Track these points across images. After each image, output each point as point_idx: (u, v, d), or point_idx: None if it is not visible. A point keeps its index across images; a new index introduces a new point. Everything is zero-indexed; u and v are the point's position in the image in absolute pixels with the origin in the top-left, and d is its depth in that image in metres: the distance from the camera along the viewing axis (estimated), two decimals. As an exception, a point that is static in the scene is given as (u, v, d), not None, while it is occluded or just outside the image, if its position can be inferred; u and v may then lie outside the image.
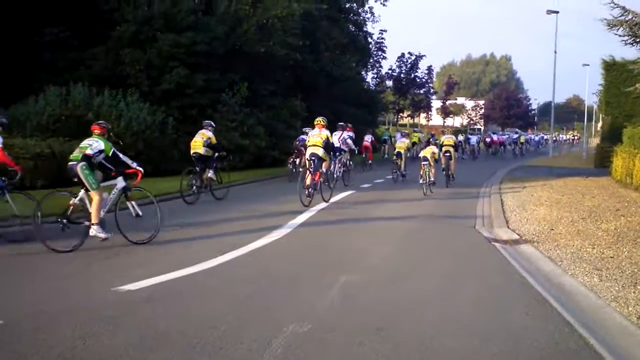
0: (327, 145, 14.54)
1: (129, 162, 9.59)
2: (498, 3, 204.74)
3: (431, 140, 21.83)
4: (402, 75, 56.08)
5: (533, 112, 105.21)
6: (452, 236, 11.21)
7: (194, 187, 14.58)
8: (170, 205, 13.18)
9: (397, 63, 56.20)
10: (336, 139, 18.12)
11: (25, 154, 15.32)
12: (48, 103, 19.24)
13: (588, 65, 60.93)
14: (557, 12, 43.88)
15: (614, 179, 21.99)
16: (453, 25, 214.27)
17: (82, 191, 9.02)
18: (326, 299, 6.49)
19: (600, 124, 51.47)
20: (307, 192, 13.98)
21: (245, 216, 12.43)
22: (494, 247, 10.00)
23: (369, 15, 42.54)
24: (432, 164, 17.91)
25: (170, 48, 22.51)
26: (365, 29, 43.25)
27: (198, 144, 14.90)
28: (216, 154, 15.15)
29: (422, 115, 73.13)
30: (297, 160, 20.44)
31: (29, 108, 19.03)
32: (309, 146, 14.53)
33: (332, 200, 14.94)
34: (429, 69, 60.45)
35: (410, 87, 57.22)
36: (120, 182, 9.51)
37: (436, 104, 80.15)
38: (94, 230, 8.95)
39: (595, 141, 53.52)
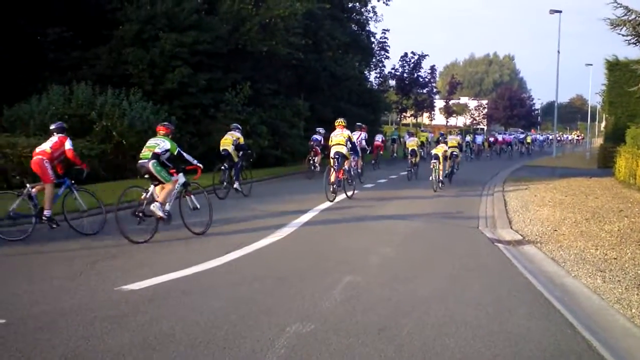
0: (350, 144, 15.65)
1: (191, 159, 10.50)
2: (501, 2, 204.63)
3: (440, 139, 22.63)
4: (405, 75, 55.98)
5: (536, 112, 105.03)
6: (455, 237, 11.22)
7: (225, 183, 15.73)
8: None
9: (400, 63, 56.09)
10: (355, 138, 18.97)
11: (29, 153, 15.31)
12: (51, 102, 19.26)
13: (591, 65, 61.08)
14: (560, 12, 43.83)
15: (617, 180, 21.98)
16: (456, 25, 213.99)
17: (152, 186, 9.98)
18: (329, 299, 6.49)
19: (603, 124, 51.40)
20: (331, 189, 14.99)
21: (249, 215, 12.46)
22: (497, 247, 10.00)
23: (371, 14, 42.48)
24: (441, 162, 18.90)
25: (173, 47, 22.52)
26: (368, 29, 43.19)
27: (228, 142, 16.00)
28: (241, 152, 16.13)
29: (425, 115, 73.04)
30: (316, 159, 22.16)
31: (32, 107, 19.04)
32: (333, 145, 15.58)
33: (338, 199, 15.25)
34: (432, 68, 60.32)
35: (413, 87, 57.09)
36: (181, 178, 10.41)
37: (439, 103, 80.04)
38: (155, 207, 9.75)
39: (598, 141, 53.48)
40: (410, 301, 6.57)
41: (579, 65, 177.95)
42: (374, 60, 46.41)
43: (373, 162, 27.74)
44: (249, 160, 17.13)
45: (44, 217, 9.87)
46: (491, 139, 47.55)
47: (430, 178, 18.54)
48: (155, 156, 9.91)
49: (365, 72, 44.26)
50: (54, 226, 10.01)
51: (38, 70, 22.06)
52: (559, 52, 44.33)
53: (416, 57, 56.10)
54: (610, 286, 7.32)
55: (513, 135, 54.38)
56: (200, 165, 10.59)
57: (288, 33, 26.33)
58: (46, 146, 10.19)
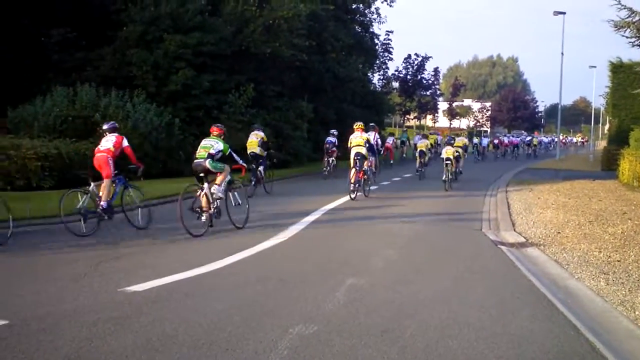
0: (368, 145, 16.77)
1: (238, 159, 11.48)
2: (505, 4, 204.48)
3: (449, 141, 23.57)
4: (408, 77, 56.01)
5: (540, 114, 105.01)
6: (458, 239, 11.21)
7: (253, 182, 16.61)
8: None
9: (403, 64, 56.17)
10: (372, 138, 20.11)
11: (33, 154, 15.35)
12: (55, 104, 19.32)
13: (595, 67, 60.92)
14: (564, 14, 43.81)
15: (621, 182, 21.93)
16: (459, 27, 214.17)
17: (206, 184, 10.86)
18: (333, 301, 6.49)
19: (607, 127, 51.37)
20: (352, 187, 16.03)
21: (253, 217, 12.46)
22: (500, 250, 9.99)
23: (375, 16, 42.48)
24: (453, 163, 20.36)
25: (177, 49, 22.58)
26: (371, 30, 43.16)
27: (254, 143, 17.04)
28: (265, 152, 17.27)
29: (429, 117, 73.03)
30: (330, 160, 23.32)
31: (36, 108, 19.11)
32: (354, 147, 16.49)
33: (345, 199, 15.89)
34: (436, 70, 60.41)
35: (416, 89, 57.14)
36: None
37: (443, 105, 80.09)
38: (215, 189, 10.95)
39: (602, 144, 53.44)
40: (413, 303, 6.57)
41: (583, 67, 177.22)
42: (377, 62, 46.39)
43: (390, 162, 29.24)
44: (272, 160, 18.24)
45: (99, 209, 10.59)
46: (495, 141, 47.82)
47: (443, 178, 19.69)
48: (210, 156, 10.92)
49: (369, 73, 44.25)
50: (106, 218, 10.73)
51: (42, 71, 22.13)
52: (562, 54, 44.48)
53: (420, 59, 56.20)
54: (614, 288, 7.30)
55: (520, 138, 55.45)
56: (245, 165, 11.74)
57: (292, 34, 26.35)
58: (109, 145, 10.99)
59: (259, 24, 25.17)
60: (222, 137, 11.37)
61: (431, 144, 33.47)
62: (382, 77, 50.66)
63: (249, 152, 16.96)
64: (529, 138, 53.97)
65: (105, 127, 11.50)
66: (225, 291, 6.91)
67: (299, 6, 25.84)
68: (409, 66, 56.11)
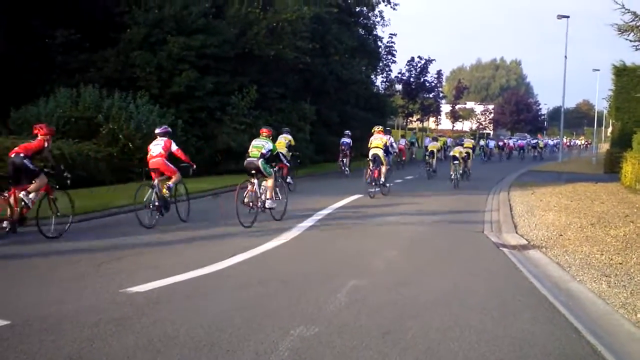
0: (386, 148, 17.79)
1: (282, 158, 13.06)
2: (508, 7, 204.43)
3: (458, 142, 26.08)
4: (411, 79, 56.06)
5: (543, 117, 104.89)
6: (460, 241, 11.20)
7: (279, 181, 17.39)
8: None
9: (406, 67, 56.22)
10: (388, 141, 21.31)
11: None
12: (58, 105, 19.34)
13: (598, 70, 61.16)
14: (567, 17, 43.78)
15: (623, 185, 21.90)
16: (463, 30, 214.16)
17: (256, 181, 11.94)
18: (334, 302, 6.49)
19: (610, 130, 51.31)
20: (368, 185, 17.11)
21: (260, 216, 12.50)
22: (502, 252, 9.98)
23: (379, 19, 42.43)
24: (461, 163, 21.89)
25: (180, 51, 22.60)
26: (375, 33, 43.16)
27: (282, 144, 17.76)
28: (291, 154, 18.16)
29: (432, 119, 73.01)
30: (345, 160, 24.95)
31: (40, 109, 19.13)
32: (372, 148, 17.47)
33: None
34: (439, 73, 60.46)
35: (419, 91, 57.17)
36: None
37: (445, 108, 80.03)
38: (269, 202, 12.13)
39: (605, 147, 53.39)
40: (415, 305, 6.57)
41: (586, 70, 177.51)
42: (380, 64, 46.41)
43: (398, 162, 29.92)
44: (296, 160, 19.20)
45: (165, 194, 11.70)
46: (500, 143, 49.00)
47: (451, 177, 21.20)
48: (262, 155, 12.07)
49: (372, 76, 44.28)
50: (164, 211, 11.64)
51: (46, 72, 22.19)
52: (566, 57, 44.34)
53: (423, 61, 56.27)
54: (616, 291, 7.30)
55: (526, 140, 56.70)
56: (288, 164, 13.42)
57: (295, 37, 26.36)
58: (159, 149, 11.80)
59: (262, 26, 25.18)
60: (270, 138, 12.64)
61: (441, 146, 34.60)
62: (385, 80, 50.69)
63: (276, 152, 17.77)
64: (535, 141, 55.37)
65: (158, 131, 12.33)
66: (227, 292, 6.92)
67: (302, 9, 25.85)
68: (412, 69, 56.16)
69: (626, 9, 15.21)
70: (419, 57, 56.47)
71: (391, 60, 48.75)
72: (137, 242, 9.81)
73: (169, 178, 11.84)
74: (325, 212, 13.89)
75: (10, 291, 6.70)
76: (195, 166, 12.43)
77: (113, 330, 5.37)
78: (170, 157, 11.96)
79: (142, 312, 5.95)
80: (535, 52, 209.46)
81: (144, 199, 11.33)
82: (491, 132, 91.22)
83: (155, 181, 11.59)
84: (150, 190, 11.44)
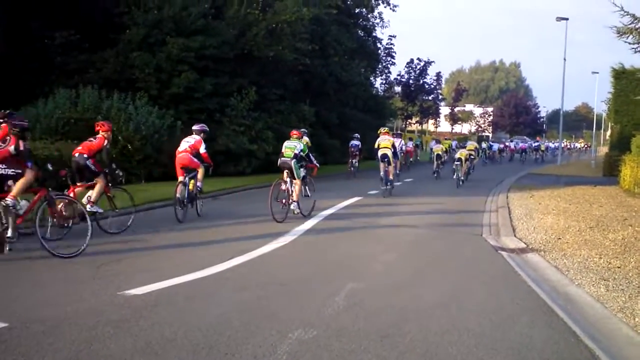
0: (393, 149, 18.81)
1: (313, 159, 13.77)
2: (507, 9, 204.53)
3: (462, 145, 28.20)
4: (410, 81, 56.15)
5: (542, 119, 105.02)
6: (459, 244, 11.21)
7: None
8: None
9: (405, 69, 56.36)
10: (398, 144, 22.78)
11: (35, 156, 15.35)
12: (57, 106, 19.32)
13: (598, 73, 61.21)
14: (566, 19, 43.79)
15: (622, 188, 21.91)
16: (462, 32, 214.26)
17: (289, 180, 12.92)
18: (332, 305, 6.49)
19: (609, 133, 51.37)
20: (383, 182, 18.26)
21: (254, 221, 12.50)
22: (500, 255, 9.98)
23: (378, 20, 42.53)
24: (463, 164, 23.53)
25: (179, 52, 22.58)
26: (374, 34, 43.25)
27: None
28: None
29: (431, 121, 73.09)
30: (353, 161, 26.12)
31: (39, 110, 19.11)
32: (381, 148, 18.47)
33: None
34: (438, 75, 60.62)
35: (418, 93, 57.26)
36: (302, 173, 13.28)
37: (444, 110, 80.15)
38: (294, 205, 12.95)
39: (604, 150, 53.47)
40: (413, 308, 6.57)
41: (585, 73, 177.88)
42: (380, 66, 46.46)
43: (403, 164, 30.62)
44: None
45: (197, 191, 12.62)
46: (501, 146, 50.17)
47: (454, 177, 22.82)
48: (295, 156, 13.01)
49: (371, 78, 44.33)
50: (190, 206, 12.49)
51: (45, 73, 22.15)
52: (565, 60, 44.34)
53: (422, 63, 56.41)
54: (614, 295, 7.30)
55: (528, 143, 58.24)
56: (318, 165, 14.17)
57: (295, 38, 26.37)
58: (186, 145, 12.65)
59: (262, 27, 25.17)
60: (300, 139, 13.73)
61: (445, 149, 35.59)
62: (384, 82, 50.82)
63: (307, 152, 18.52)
64: (536, 144, 56.42)
65: (195, 127, 13.26)
66: (225, 295, 6.92)
67: (302, 10, 25.83)
68: (412, 71, 56.28)
69: (625, 12, 15.23)
70: (418, 59, 56.70)
71: (390, 62, 48.95)
72: (136, 244, 9.80)
73: (195, 175, 12.56)
74: (325, 212, 13.92)
75: (8, 293, 6.68)
76: (213, 165, 13.29)
77: (111, 332, 5.36)
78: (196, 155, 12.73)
79: (140, 314, 5.94)
80: (534, 54, 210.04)
81: (178, 196, 12.16)
82: (490, 135, 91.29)
83: (185, 178, 12.36)
84: (182, 187, 12.26)
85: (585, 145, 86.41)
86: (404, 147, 27.23)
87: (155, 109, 21.06)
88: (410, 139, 41.04)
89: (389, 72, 50.38)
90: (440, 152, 26.95)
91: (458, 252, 10.38)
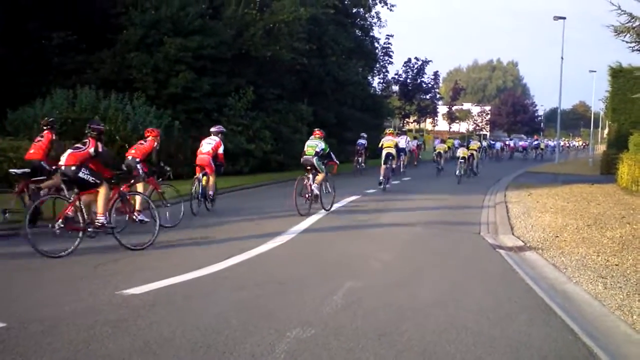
0: (397, 147, 20.49)
1: (333, 157, 14.67)
2: (505, 8, 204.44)
3: (465, 144, 28.93)
4: (408, 81, 56.16)
5: (539, 118, 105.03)
6: (457, 242, 11.21)
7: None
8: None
9: (403, 68, 56.35)
10: (403, 142, 25.04)
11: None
12: (55, 106, 19.29)
13: (595, 71, 60.95)
14: (564, 18, 43.74)
15: (619, 186, 21.93)
16: (459, 31, 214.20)
17: (310, 176, 13.69)
18: (330, 304, 6.49)
19: (606, 131, 51.41)
20: (382, 180, 19.27)
21: (252, 220, 12.50)
22: (498, 253, 9.99)
23: (375, 20, 42.51)
24: (466, 162, 24.60)
25: (177, 52, 22.57)
26: (372, 34, 43.22)
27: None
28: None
29: (428, 120, 73.09)
30: (360, 159, 26.90)
31: (36, 111, 19.08)
32: (385, 148, 19.83)
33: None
34: (435, 74, 60.55)
35: (416, 93, 57.27)
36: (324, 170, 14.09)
37: (442, 109, 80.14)
38: (314, 186, 13.60)
39: (601, 148, 53.54)
40: (411, 306, 6.57)
41: (583, 71, 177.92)
42: (377, 65, 46.46)
43: (405, 164, 31.55)
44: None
45: (209, 197, 13.42)
46: (502, 144, 52.76)
47: (457, 173, 23.71)
48: (316, 153, 13.85)
49: (369, 77, 44.32)
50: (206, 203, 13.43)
51: (42, 74, 22.12)
52: (562, 58, 44.13)
53: (419, 62, 56.39)
54: (612, 292, 7.31)
55: (528, 142, 60.16)
56: (337, 162, 15.02)
57: (292, 38, 26.38)
58: (209, 147, 13.50)
59: (259, 27, 25.18)
60: (322, 138, 14.39)
61: (448, 147, 36.76)
62: (382, 81, 50.80)
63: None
64: (537, 142, 57.79)
65: (213, 129, 14.07)
66: (223, 294, 6.92)
67: (299, 10, 25.83)
68: (409, 70, 56.27)
69: (622, 11, 15.29)
70: (415, 58, 56.66)
71: (388, 62, 48.86)
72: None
73: (206, 174, 13.29)
74: (324, 211, 13.90)
75: (5, 293, 6.67)
76: (224, 164, 14.32)
77: (109, 332, 5.36)
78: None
79: (138, 314, 5.94)
80: (531, 53, 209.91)
81: (193, 191, 13.08)
82: (488, 134, 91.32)
83: (199, 176, 13.23)
84: (197, 183, 13.15)
85: (583, 144, 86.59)
86: (410, 144, 29.08)
87: (153, 109, 21.04)
88: (415, 138, 41.99)
89: (387, 72, 50.40)
90: (442, 151, 29.00)
91: (456, 251, 10.39)
